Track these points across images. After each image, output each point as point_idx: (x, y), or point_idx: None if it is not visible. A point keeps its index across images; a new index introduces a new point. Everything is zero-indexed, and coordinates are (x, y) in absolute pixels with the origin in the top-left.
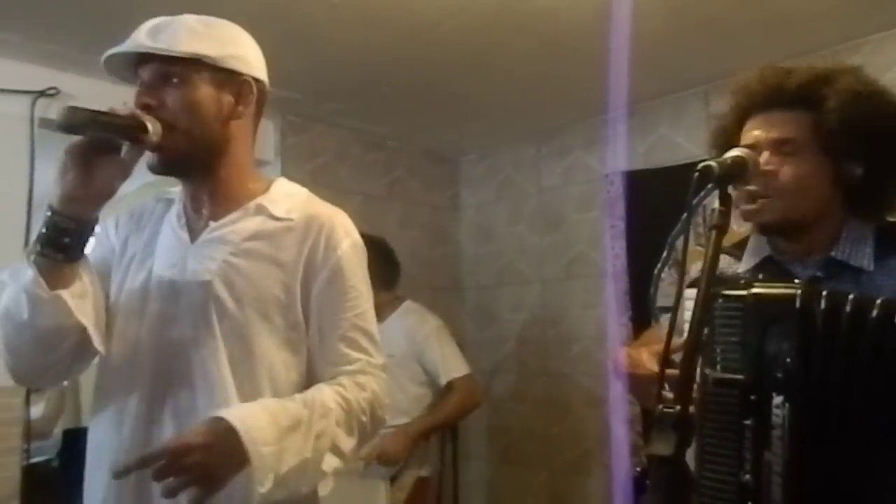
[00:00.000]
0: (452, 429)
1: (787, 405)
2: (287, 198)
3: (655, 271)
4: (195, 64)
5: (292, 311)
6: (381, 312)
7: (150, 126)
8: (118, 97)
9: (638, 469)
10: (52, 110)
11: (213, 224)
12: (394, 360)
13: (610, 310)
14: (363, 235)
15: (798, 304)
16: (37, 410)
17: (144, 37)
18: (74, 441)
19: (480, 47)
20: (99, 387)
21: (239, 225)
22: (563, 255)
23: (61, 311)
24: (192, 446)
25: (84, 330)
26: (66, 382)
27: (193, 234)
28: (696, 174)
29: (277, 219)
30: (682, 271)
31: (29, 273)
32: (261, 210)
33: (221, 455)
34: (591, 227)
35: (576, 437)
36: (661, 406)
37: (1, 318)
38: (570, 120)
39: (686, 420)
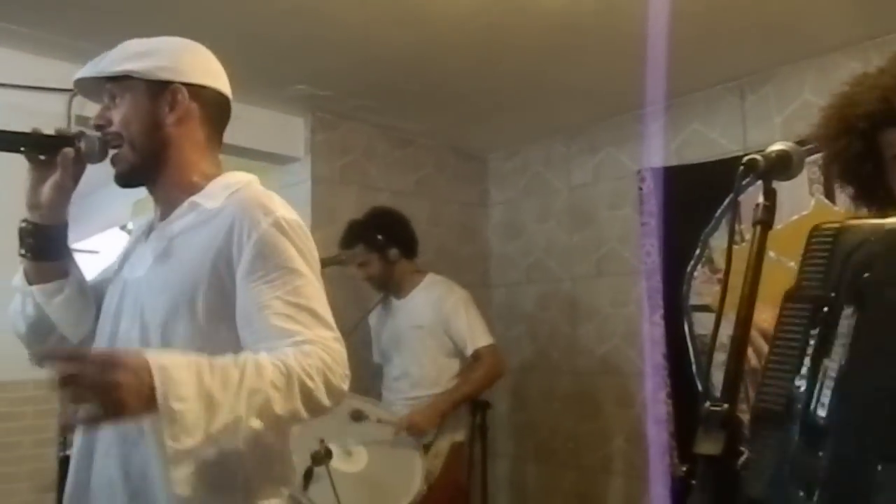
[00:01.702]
0: (482, 428)
1: (856, 315)
2: (224, 189)
3: (688, 269)
4: (128, 80)
5: (222, 295)
6: (405, 285)
7: (82, 143)
8: None
9: (683, 469)
10: (91, 108)
11: (158, 225)
12: (422, 331)
13: (641, 308)
14: (382, 209)
15: (888, 226)
16: None
17: (90, 65)
18: None
19: (509, 43)
20: None
21: (174, 224)
22: (592, 252)
23: (34, 302)
24: (111, 364)
25: (48, 319)
26: None
27: (146, 236)
28: (741, 168)
29: (208, 209)
30: (728, 269)
31: (19, 273)
32: (193, 206)
33: (130, 390)
34: (621, 225)
35: (605, 435)
36: (708, 404)
37: (10, 311)
38: (600, 116)
39: (734, 418)
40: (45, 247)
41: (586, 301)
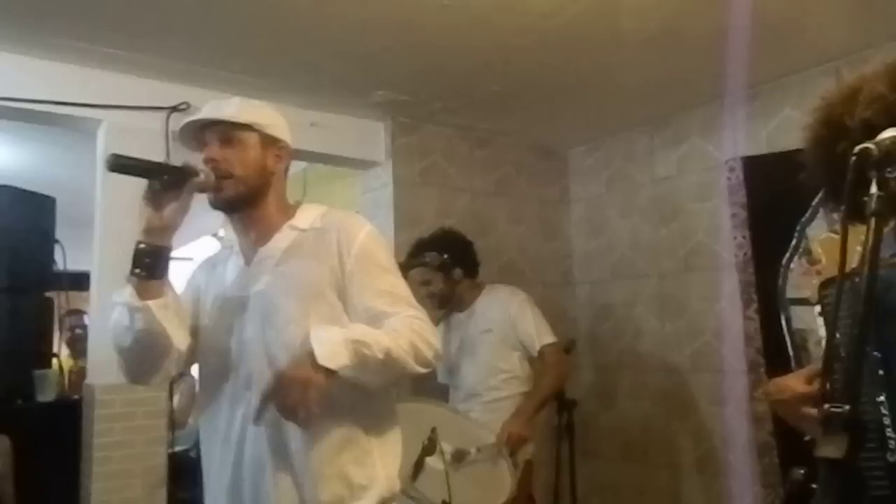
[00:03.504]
0: (569, 427)
1: None
2: (309, 214)
3: (784, 261)
4: (248, 129)
5: (336, 293)
6: (467, 298)
7: (202, 174)
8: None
9: (801, 472)
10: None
11: (260, 249)
12: (492, 334)
13: (733, 303)
14: (447, 230)
15: None
16: (173, 403)
17: (213, 111)
18: None
19: (587, 37)
20: (201, 390)
21: (278, 244)
22: (680, 246)
23: (149, 317)
24: (286, 377)
25: (165, 332)
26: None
27: (247, 259)
28: (854, 157)
29: (303, 230)
30: (842, 261)
31: (127, 289)
32: (292, 228)
33: (307, 381)
34: (709, 217)
35: (699, 435)
36: (828, 406)
37: (112, 328)
38: (685, 106)
39: (857, 420)
40: (160, 266)
41: (675, 297)
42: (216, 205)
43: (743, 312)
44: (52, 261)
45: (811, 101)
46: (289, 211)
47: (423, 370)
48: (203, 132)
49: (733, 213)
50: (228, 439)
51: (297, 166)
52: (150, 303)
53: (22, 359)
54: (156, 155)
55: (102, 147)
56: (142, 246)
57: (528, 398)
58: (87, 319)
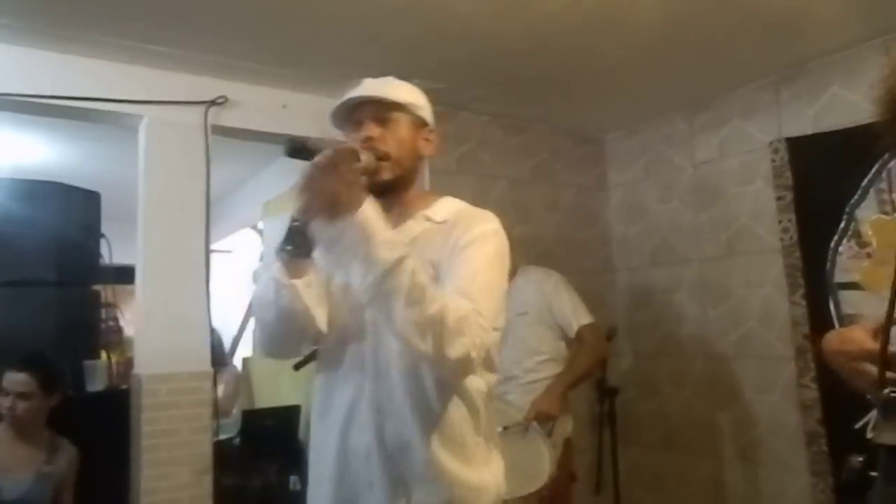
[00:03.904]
0: (611, 414)
1: None
2: (446, 207)
3: (832, 244)
4: (402, 109)
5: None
6: None
7: (363, 157)
8: (277, 100)
9: (859, 460)
10: (223, 117)
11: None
12: (527, 317)
13: (779, 287)
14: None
15: None
16: (217, 392)
17: (370, 89)
18: (252, 420)
19: (622, 18)
20: (320, 371)
21: (409, 231)
22: (722, 231)
23: (294, 295)
24: (319, 168)
25: (309, 311)
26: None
27: None
28: None
29: (437, 223)
30: None
31: (277, 265)
32: (426, 219)
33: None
34: (753, 200)
35: (743, 423)
36: (888, 391)
37: (256, 300)
38: (725, 87)
39: None
40: (310, 245)
41: (717, 282)
42: (371, 188)
43: (789, 297)
44: (99, 255)
45: (859, 77)
46: (427, 199)
47: (427, 354)
48: (355, 112)
49: (778, 195)
50: (336, 423)
51: None
52: (297, 281)
53: (72, 350)
54: (195, 148)
55: (144, 142)
56: (296, 223)
57: (559, 376)
58: (119, 313)
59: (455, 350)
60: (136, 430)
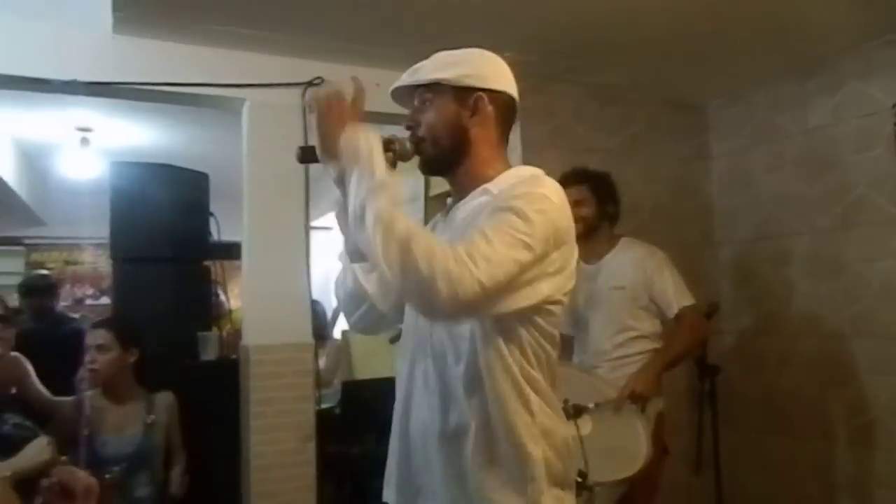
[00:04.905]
0: (711, 394)
1: None
2: (508, 176)
3: None
4: (438, 87)
5: None
6: (601, 247)
7: (395, 146)
8: (371, 79)
9: None
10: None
11: (456, 207)
12: (624, 291)
13: None
14: (593, 172)
15: None
16: (320, 363)
17: (406, 76)
18: (351, 391)
19: None
20: (399, 343)
21: (469, 203)
22: (836, 201)
23: (354, 277)
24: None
25: (366, 293)
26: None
27: (445, 217)
28: None
29: (495, 194)
30: None
31: (342, 251)
32: (484, 192)
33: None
34: (872, 168)
35: (858, 405)
36: None
37: (335, 283)
38: (841, 47)
39: None
40: None
41: (830, 256)
42: (420, 169)
43: None
44: (208, 232)
45: None
46: (494, 171)
47: (391, 280)
48: (409, 98)
49: None
50: (400, 401)
51: None
52: (356, 266)
53: (186, 322)
54: (295, 129)
55: (247, 124)
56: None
57: (657, 354)
58: (217, 289)
59: (432, 270)
60: (245, 397)
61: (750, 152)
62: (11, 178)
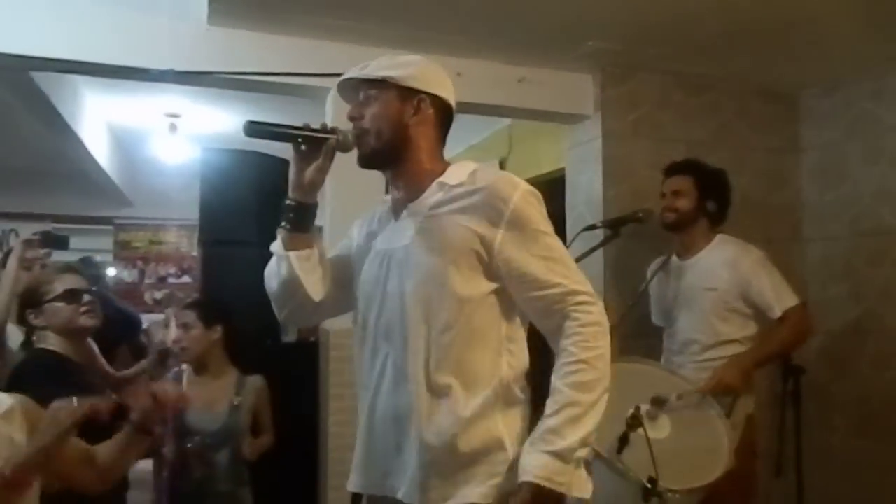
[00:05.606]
0: (795, 394)
1: None
2: (459, 170)
3: None
4: (384, 84)
5: (481, 253)
6: (695, 244)
7: (339, 135)
8: (454, 69)
9: None
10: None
11: (409, 205)
12: (715, 293)
13: None
14: (703, 165)
15: None
16: None
17: (355, 70)
18: None
19: None
20: (354, 340)
21: (426, 200)
22: None
23: (289, 266)
24: None
25: (299, 280)
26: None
27: (396, 214)
28: None
29: (452, 186)
30: None
31: (277, 239)
32: (441, 186)
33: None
34: None
35: None
36: None
37: (266, 272)
38: None
39: None
40: (303, 221)
41: None
42: (358, 162)
43: None
44: None
45: None
46: (439, 167)
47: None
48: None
49: None
50: (368, 389)
51: (501, 123)
52: (292, 254)
53: (269, 304)
54: None
55: (331, 112)
56: (288, 202)
57: (752, 349)
58: None
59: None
60: (325, 379)
61: (845, 144)
62: (105, 161)
